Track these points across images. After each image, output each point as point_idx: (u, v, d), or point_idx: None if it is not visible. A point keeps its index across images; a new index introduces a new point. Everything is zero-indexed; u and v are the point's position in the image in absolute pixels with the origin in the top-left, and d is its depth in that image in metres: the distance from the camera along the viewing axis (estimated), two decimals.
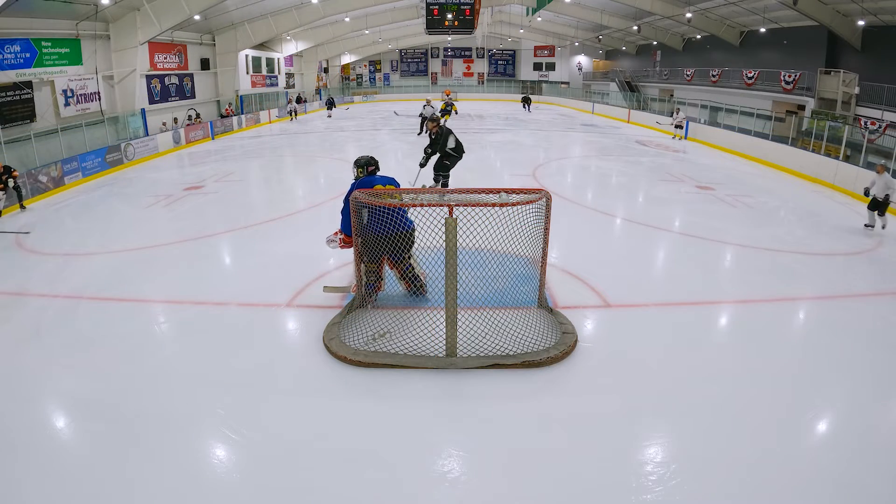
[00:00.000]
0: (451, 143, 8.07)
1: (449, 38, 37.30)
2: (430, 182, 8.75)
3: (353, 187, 4.52)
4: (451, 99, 20.14)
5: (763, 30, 19.37)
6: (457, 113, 19.22)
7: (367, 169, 4.83)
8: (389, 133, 17.98)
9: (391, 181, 4.75)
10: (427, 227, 3.94)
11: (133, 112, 14.97)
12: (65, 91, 13.16)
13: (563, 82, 37.94)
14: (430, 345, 3.86)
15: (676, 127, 17.42)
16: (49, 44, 12.60)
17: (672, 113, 18.35)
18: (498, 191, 3.97)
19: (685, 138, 17.25)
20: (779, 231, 7.31)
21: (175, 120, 17.09)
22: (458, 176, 10.61)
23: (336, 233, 4.81)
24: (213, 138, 17.96)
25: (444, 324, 3.76)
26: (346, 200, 4.42)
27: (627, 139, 17.28)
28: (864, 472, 2.83)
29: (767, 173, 12.02)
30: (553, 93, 35.56)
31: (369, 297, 4.60)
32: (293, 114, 24.13)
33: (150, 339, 4.27)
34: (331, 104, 26.53)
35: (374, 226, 4.26)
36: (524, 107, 28.20)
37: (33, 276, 5.64)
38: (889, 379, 3.76)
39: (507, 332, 4.05)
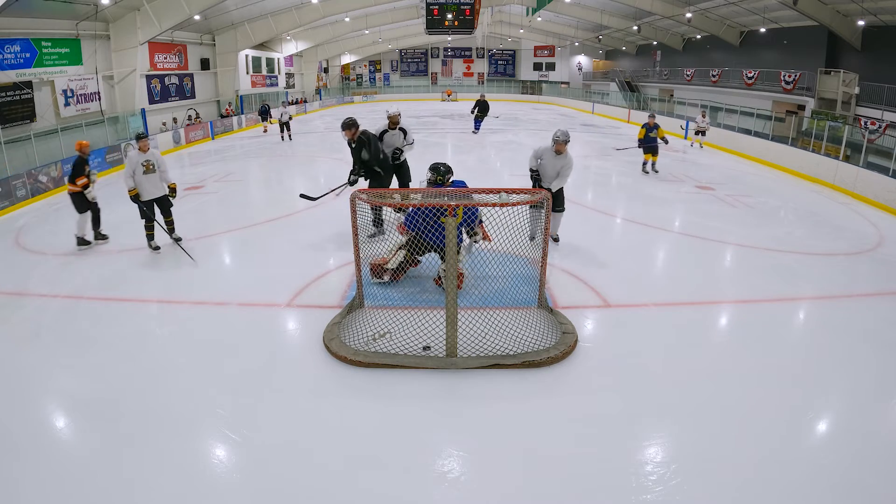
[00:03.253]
0: (365, 155, 6.18)
1: (449, 38, 37.32)
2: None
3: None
4: (452, 98, 18.71)
5: (763, 30, 19.39)
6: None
7: (445, 177, 5.04)
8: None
9: (461, 185, 5.00)
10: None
11: (133, 112, 14.97)
12: (65, 91, 13.17)
13: (563, 82, 37.96)
14: (430, 345, 3.86)
15: (698, 133, 15.02)
16: (49, 44, 12.61)
17: (698, 117, 15.42)
18: (498, 191, 3.97)
19: (686, 137, 17.22)
20: (779, 231, 7.30)
21: (175, 120, 17.09)
22: (459, 176, 10.60)
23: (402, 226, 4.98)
24: (213, 138, 17.96)
25: (444, 324, 3.76)
26: None
27: (627, 139, 17.26)
28: (866, 472, 2.82)
29: (767, 173, 12.02)
30: (553, 93, 35.58)
31: (379, 275, 4.91)
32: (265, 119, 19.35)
33: (150, 339, 4.27)
34: (265, 113, 19.86)
35: (425, 230, 4.52)
36: (475, 122, 17.63)
37: (33, 276, 5.64)
38: (891, 379, 3.75)
39: (507, 332, 4.05)
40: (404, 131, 6.69)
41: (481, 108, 17.47)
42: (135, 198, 5.96)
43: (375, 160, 6.21)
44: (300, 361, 3.89)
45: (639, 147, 10.88)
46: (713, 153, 14.66)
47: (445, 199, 3.98)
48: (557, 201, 6.01)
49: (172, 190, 6.32)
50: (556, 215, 6.14)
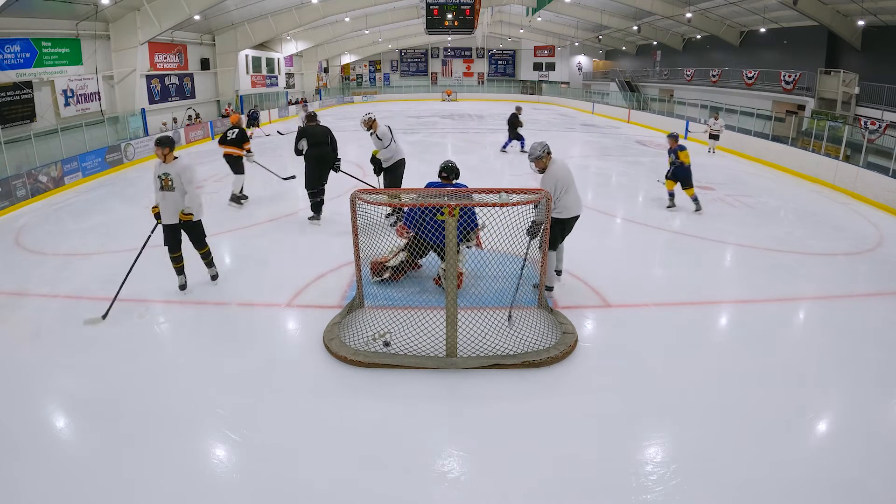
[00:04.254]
0: (302, 145, 6.87)
1: (449, 38, 37.33)
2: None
3: (428, 185, 5.12)
4: (452, 98, 17.41)
5: (763, 30, 19.39)
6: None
7: (440, 175, 5.23)
8: None
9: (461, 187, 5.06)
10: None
11: (133, 112, 14.97)
12: (65, 91, 13.16)
13: (563, 82, 37.97)
14: (430, 345, 3.86)
15: (711, 137, 13.90)
16: (49, 44, 12.60)
17: (710, 119, 14.29)
18: (498, 191, 3.97)
19: (686, 137, 17.18)
20: (779, 231, 7.30)
21: (175, 120, 17.09)
22: (460, 176, 10.56)
23: (401, 227, 5.11)
24: (213, 138, 17.95)
25: (444, 324, 3.76)
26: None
27: (627, 139, 17.28)
28: (866, 472, 2.82)
29: (767, 173, 12.02)
30: (553, 93, 35.58)
31: (379, 273, 4.99)
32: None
33: (150, 339, 4.27)
34: (254, 119, 17.60)
35: (423, 227, 4.67)
36: (509, 142, 13.85)
37: (33, 276, 5.64)
38: (891, 379, 3.75)
39: (507, 332, 4.05)
40: (378, 137, 6.87)
41: (511, 124, 13.77)
42: (157, 216, 4.85)
43: (298, 154, 7.06)
44: (300, 361, 3.89)
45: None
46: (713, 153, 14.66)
47: (441, 198, 4.01)
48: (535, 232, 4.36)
49: (184, 221, 4.79)
50: (551, 254, 4.68)
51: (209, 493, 2.69)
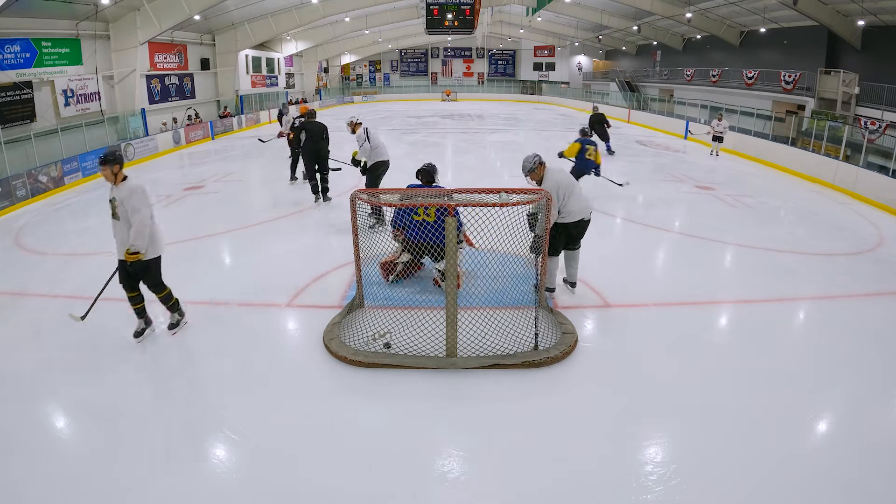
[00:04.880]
0: (301, 137, 7.84)
1: (449, 38, 37.35)
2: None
3: (408, 187, 5.18)
4: (451, 98, 17.46)
5: (763, 30, 19.40)
6: None
7: (420, 177, 5.30)
8: (387, 133, 17.97)
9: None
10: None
11: (133, 112, 14.98)
12: (65, 91, 13.17)
13: (563, 82, 37.99)
14: (430, 345, 3.86)
15: (715, 139, 13.51)
16: (49, 44, 12.61)
17: (714, 120, 13.89)
18: (498, 191, 3.97)
19: (686, 137, 17.19)
20: (779, 231, 7.30)
21: (175, 120, 17.10)
22: (458, 176, 10.60)
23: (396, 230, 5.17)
24: (213, 138, 17.96)
25: (444, 324, 3.76)
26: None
27: (627, 139, 17.28)
28: (866, 471, 2.82)
29: (767, 173, 12.02)
30: (553, 93, 35.59)
31: (390, 271, 5.07)
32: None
33: (150, 339, 4.26)
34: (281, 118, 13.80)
35: (414, 233, 4.73)
36: (608, 143, 13.77)
37: (33, 276, 5.64)
38: (892, 379, 3.75)
39: (507, 332, 4.05)
40: (357, 140, 7.08)
41: (599, 122, 13.60)
42: None
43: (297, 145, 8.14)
44: (300, 361, 3.89)
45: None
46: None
47: (418, 198, 4.08)
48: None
49: (130, 261, 3.81)
50: (552, 258, 4.74)
51: (209, 492, 2.69)
